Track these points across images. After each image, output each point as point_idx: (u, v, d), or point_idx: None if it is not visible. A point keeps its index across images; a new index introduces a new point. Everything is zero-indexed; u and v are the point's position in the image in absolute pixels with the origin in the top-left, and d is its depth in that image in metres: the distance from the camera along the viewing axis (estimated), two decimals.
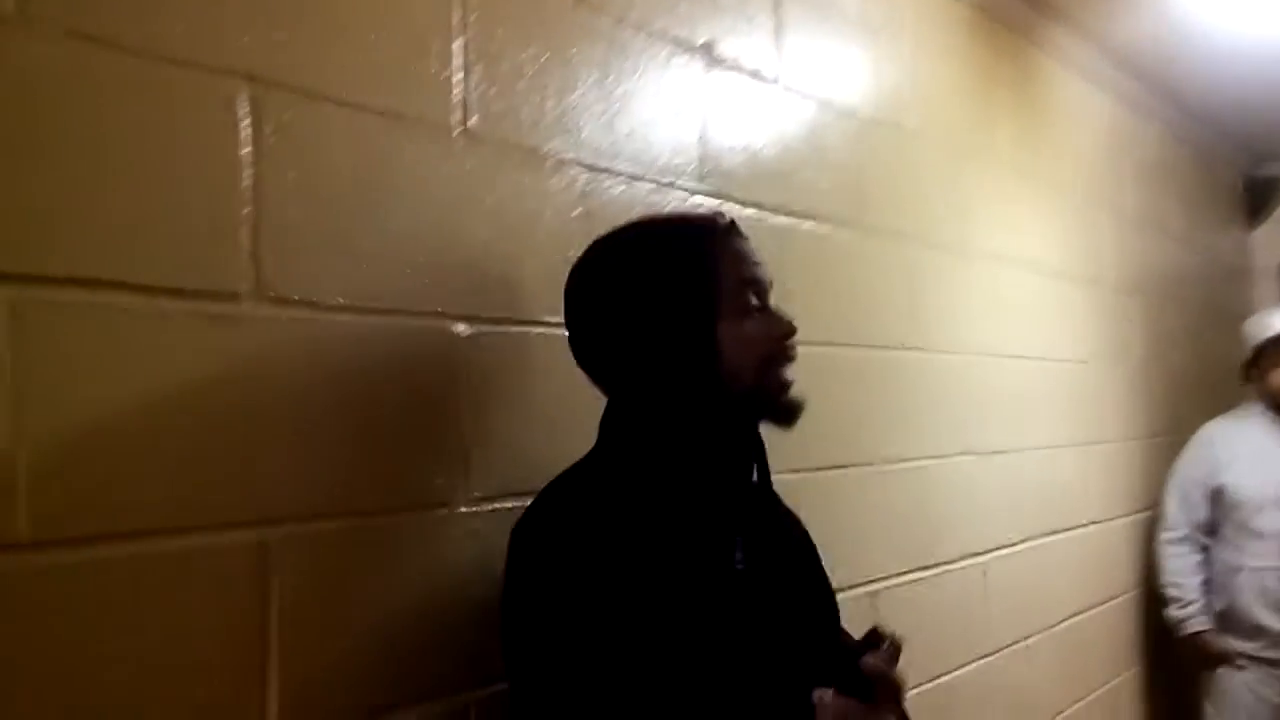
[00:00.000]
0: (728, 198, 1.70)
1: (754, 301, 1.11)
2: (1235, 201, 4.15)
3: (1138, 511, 3.16)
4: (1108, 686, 2.87)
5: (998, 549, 2.37)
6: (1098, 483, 2.95)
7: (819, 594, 1.24)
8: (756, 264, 1.12)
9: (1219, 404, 3.19)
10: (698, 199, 1.64)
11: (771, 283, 1.14)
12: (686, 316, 1.07)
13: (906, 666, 1.11)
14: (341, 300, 1.15)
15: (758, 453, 1.14)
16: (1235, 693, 2.88)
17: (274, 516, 1.08)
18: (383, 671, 1.16)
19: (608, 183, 1.49)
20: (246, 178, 1.07)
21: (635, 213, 1.52)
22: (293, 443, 1.10)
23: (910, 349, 2.13)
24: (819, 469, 1.80)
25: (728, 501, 1.11)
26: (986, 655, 2.18)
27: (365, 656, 1.15)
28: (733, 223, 1.15)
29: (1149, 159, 3.41)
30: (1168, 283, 3.44)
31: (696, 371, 1.07)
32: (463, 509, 1.26)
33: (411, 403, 1.22)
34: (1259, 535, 2.85)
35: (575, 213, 1.44)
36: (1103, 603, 2.87)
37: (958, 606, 2.20)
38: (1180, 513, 2.97)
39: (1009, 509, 2.45)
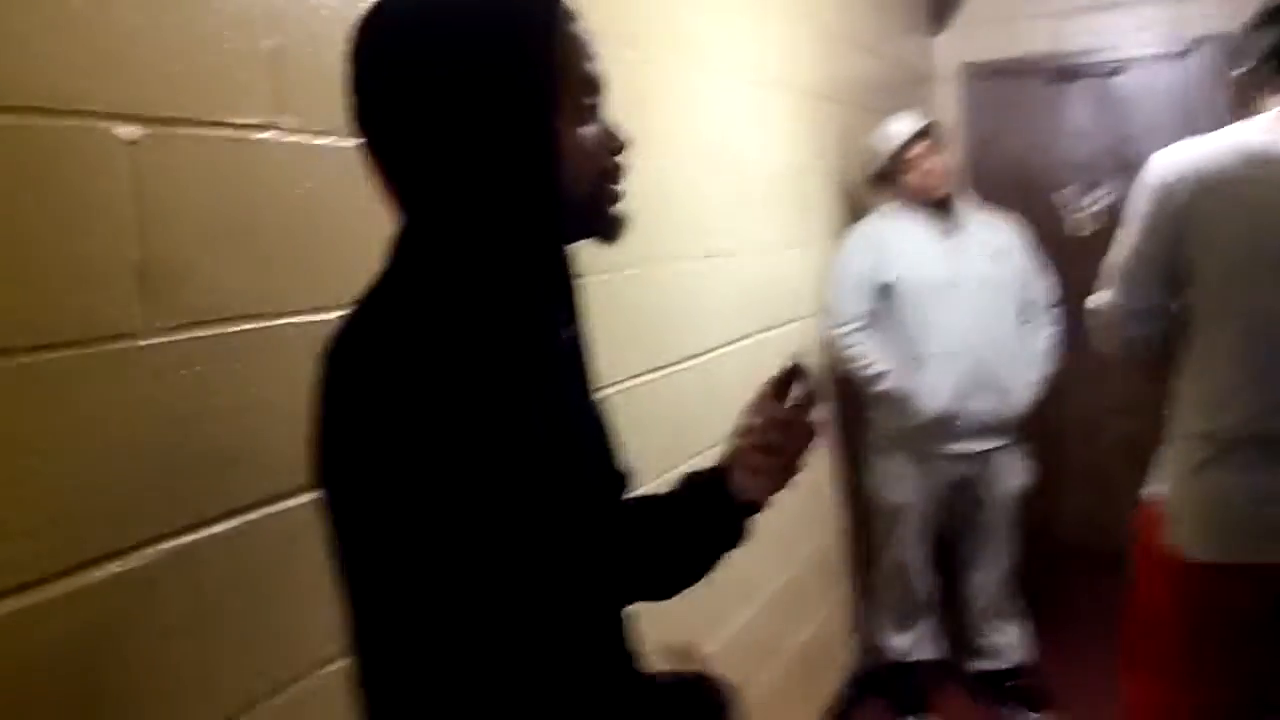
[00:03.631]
0: None
1: (589, 102, 0.97)
2: (919, 8, 4.36)
3: None
4: (810, 471, 3.09)
5: (719, 347, 2.46)
6: (805, 280, 3.11)
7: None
8: (596, 59, 0.97)
9: None
10: None
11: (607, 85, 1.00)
12: (527, 112, 0.90)
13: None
14: None
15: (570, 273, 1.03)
16: (905, 476, 3.13)
17: None
18: (56, 532, 1.02)
19: None
20: None
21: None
22: None
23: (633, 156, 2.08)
24: None
25: (547, 311, 1.02)
26: (709, 448, 2.27)
27: (36, 516, 1.00)
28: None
29: None
30: (859, 89, 3.58)
31: (533, 178, 0.91)
32: (143, 342, 1.11)
33: (66, 222, 1.04)
34: (936, 324, 3.04)
35: None
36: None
37: (684, 405, 2.27)
38: (853, 307, 3.07)
39: (728, 309, 2.54)
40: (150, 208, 1.12)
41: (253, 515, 1.23)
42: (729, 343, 2.51)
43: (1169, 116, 4.07)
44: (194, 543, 1.16)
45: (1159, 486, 2.03)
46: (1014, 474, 3.20)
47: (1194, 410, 1.95)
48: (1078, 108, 4.31)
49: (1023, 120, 4.37)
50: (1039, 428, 3.30)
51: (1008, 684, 3.28)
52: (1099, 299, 2.05)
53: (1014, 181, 4.28)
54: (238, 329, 1.22)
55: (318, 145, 1.32)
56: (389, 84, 0.91)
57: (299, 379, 1.25)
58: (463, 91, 0.88)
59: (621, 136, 0.99)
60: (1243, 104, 1.93)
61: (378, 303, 0.95)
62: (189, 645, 1.15)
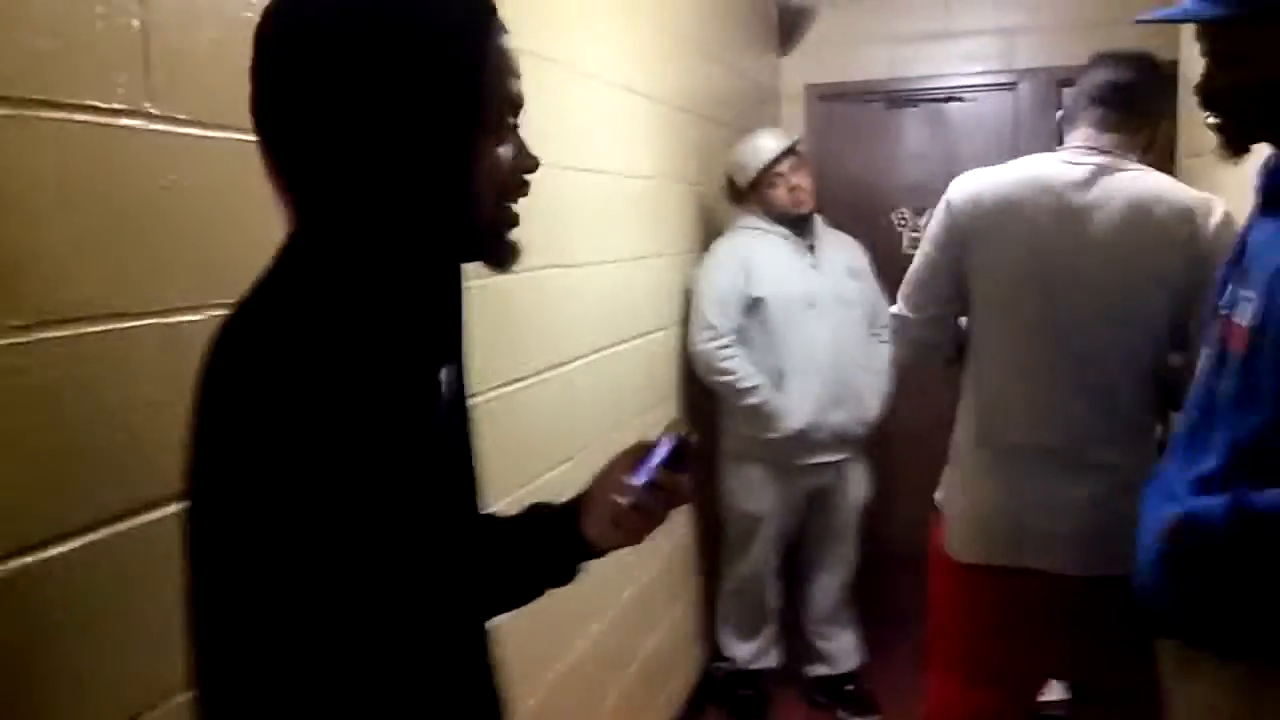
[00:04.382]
0: None
1: (511, 121, 0.94)
2: (770, 29, 4.46)
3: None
4: None
5: (578, 359, 2.43)
6: (662, 292, 3.12)
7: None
8: (519, 75, 0.95)
9: None
10: None
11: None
12: (453, 125, 0.85)
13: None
14: None
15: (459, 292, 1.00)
16: (763, 487, 3.19)
17: None
18: None
19: None
20: None
21: None
22: None
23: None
24: None
25: (436, 333, 0.99)
26: (571, 458, 2.26)
27: None
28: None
29: None
30: (714, 103, 3.64)
31: (446, 195, 0.87)
32: None
33: None
34: (799, 340, 3.12)
35: None
36: (662, 401, 3.10)
37: (542, 416, 2.24)
38: (723, 321, 3.10)
39: (588, 320, 2.52)
40: None
41: (96, 535, 1.13)
42: (588, 354, 2.49)
43: (997, 143, 4.29)
44: (26, 565, 1.05)
45: (942, 492, 2.18)
46: (861, 484, 3.34)
47: (970, 419, 2.11)
48: (914, 132, 4.51)
49: (862, 142, 4.54)
50: (874, 440, 3.43)
51: (844, 689, 3.39)
52: (894, 308, 2.21)
53: (853, 201, 4.43)
54: (91, 330, 1.12)
55: (185, 135, 1.23)
56: (301, 75, 0.84)
57: (159, 384, 1.17)
58: (385, 94, 0.83)
59: (534, 158, 0.96)
60: (1060, 136, 2.11)
61: (260, 309, 0.90)
62: (34, 669, 1.05)
